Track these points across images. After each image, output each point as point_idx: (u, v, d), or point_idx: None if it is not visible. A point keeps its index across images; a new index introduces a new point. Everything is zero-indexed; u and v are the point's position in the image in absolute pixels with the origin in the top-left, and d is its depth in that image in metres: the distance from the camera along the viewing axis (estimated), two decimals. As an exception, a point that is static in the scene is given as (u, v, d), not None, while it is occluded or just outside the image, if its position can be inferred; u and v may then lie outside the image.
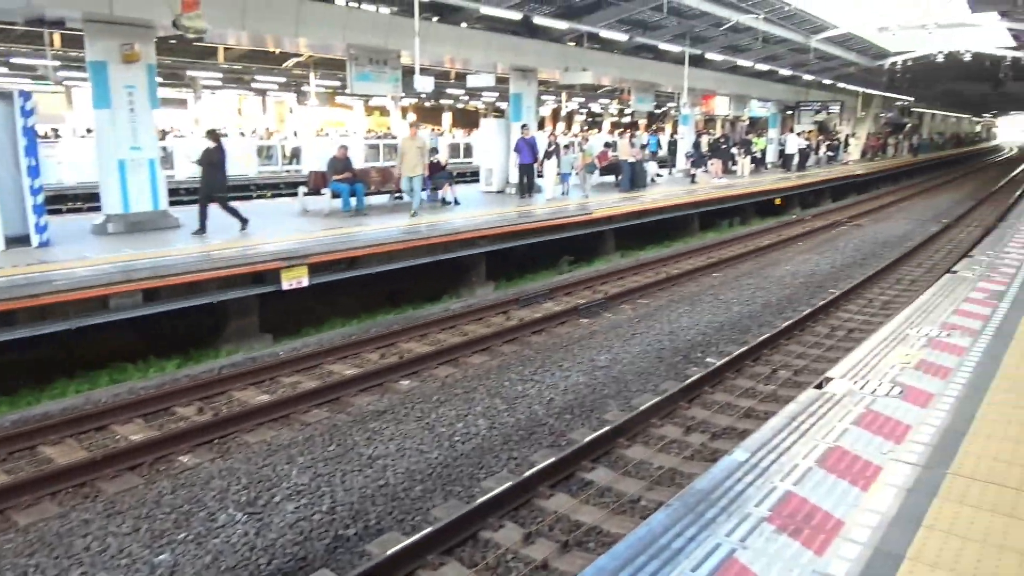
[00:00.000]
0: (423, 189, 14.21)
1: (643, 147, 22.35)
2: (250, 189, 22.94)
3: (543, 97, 43.56)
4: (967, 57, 29.27)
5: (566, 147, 18.25)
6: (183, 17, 9.19)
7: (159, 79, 12.34)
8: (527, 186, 16.64)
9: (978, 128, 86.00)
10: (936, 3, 20.68)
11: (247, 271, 9.02)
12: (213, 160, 11.02)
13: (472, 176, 23.96)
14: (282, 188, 22.90)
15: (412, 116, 38.37)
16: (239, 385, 7.69)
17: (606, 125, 55.65)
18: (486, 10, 15.25)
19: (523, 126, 16.55)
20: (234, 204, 11.83)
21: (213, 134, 11.47)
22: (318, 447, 6.23)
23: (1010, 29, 24.48)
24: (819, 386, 4.96)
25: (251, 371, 8.01)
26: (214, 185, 11.17)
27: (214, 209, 11.29)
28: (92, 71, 10.56)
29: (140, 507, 5.28)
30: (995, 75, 33.79)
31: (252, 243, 10.13)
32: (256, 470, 5.82)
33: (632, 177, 19.21)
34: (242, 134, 33.15)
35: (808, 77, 31.61)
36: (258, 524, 5.03)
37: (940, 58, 29.65)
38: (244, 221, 11.27)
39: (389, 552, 4.47)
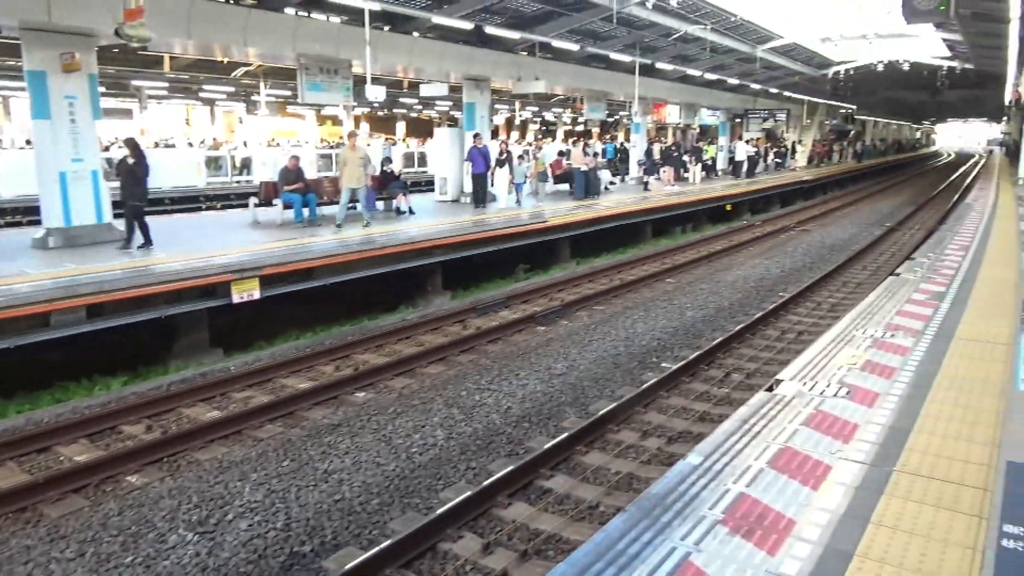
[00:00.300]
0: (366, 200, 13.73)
1: (596, 155, 22.51)
2: (199, 200, 22.49)
3: (497, 106, 43.78)
4: (906, 66, 30.39)
5: (519, 156, 18.28)
6: (126, 26, 8.94)
7: (102, 89, 12.02)
8: (481, 196, 16.59)
9: (918, 134, 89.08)
10: (876, 14, 21.37)
11: (196, 284, 8.82)
12: (132, 170, 10.43)
13: (427, 185, 23.91)
14: (232, 199, 22.50)
15: (351, 126, 37.89)
16: (189, 401, 7.50)
17: (560, 134, 56.12)
18: (438, 20, 15.26)
19: (475, 135, 16.55)
20: (178, 217, 11.52)
21: (131, 142, 11.00)
22: (272, 463, 6.10)
23: (945, 40, 25.52)
24: (770, 388, 5.05)
25: (201, 387, 7.82)
26: (134, 195, 10.52)
27: (162, 222, 11.00)
28: (30, 81, 10.23)
29: (85, 530, 5.10)
30: (932, 83, 35.17)
31: (201, 256, 9.91)
32: (207, 488, 5.68)
33: (586, 185, 19.37)
34: (190, 144, 32.50)
35: (756, 86, 32.41)
36: (210, 544, 4.90)
37: (880, 67, 30.72)
38: (149, 242, 10.64)
39: (346, 567, 4.40)
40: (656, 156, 25.21)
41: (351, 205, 13.10)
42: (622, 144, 30.98)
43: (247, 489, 5.64)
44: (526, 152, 19.65)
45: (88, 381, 8.29)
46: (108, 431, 6.85)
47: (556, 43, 18.75)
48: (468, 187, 17.70)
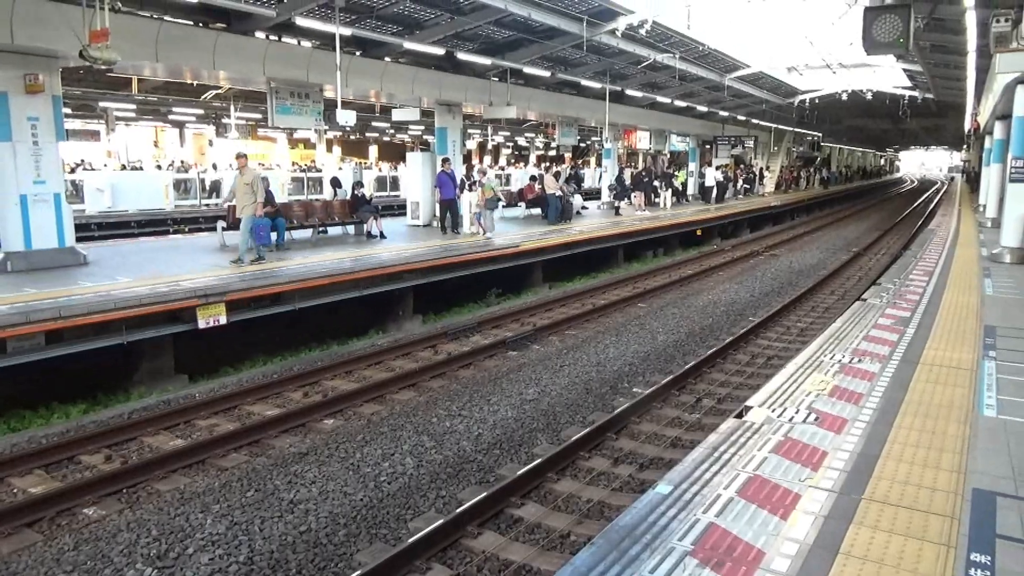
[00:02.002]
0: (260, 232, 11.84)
1: (567, 180, 22.57)
2: (166, 224, 22.17)
3: (470, 131, 43.99)
4: (869, 95, 31.15)
5: (468, 182, 17.29)
6: (91, 48, 8.82)
7: (68, 110, 11.83)
8: (452, 222, 16.36)
9: (883, 161, 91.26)
10: (839, 45, 21.90)
11: (160, 310, 8.64)
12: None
13: (399, 209, 23.84)
14: (201, 223, 22.22)
15: (324, 149, 37.52)
16: (151, 430, 7.32)
17: (532, 158, 56.53)
18: (410, 45, 15.31)
19: (444, 160, 16.53)
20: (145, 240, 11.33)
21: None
22: (235, 493, 5.95)
23: (906, 70, 26.23)
24: (739, 415, 5.05)
25: (164, 414, 7.64)
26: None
27: (127, 245, 10.80)
28: (-8, 102, 10.04)
29: (39, 566, 4.91)
30: (895, 112, 36.10)
31: (166, 280, 9.73)
32: (168, 520, 5.51)
33: (558, 210, 19.46)
34: (158, 166, 32.12)
35: (724, 113, 32.98)
36: (168, 580, 4.74)
37: (844, 96, 31.43)
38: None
39: (309, 603, 4.27)
40: (628, 181, 25.49)
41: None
42: (575, 166, 31.33)
43: (209, 521, 5.48)
44: (471, 178, 17.69)
45: (46, 409, 8.06)
46: (65, 461, 6.64)
47: (528, 69, 18.92)
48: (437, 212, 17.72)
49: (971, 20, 13.94)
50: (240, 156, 12.24)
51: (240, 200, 11.48)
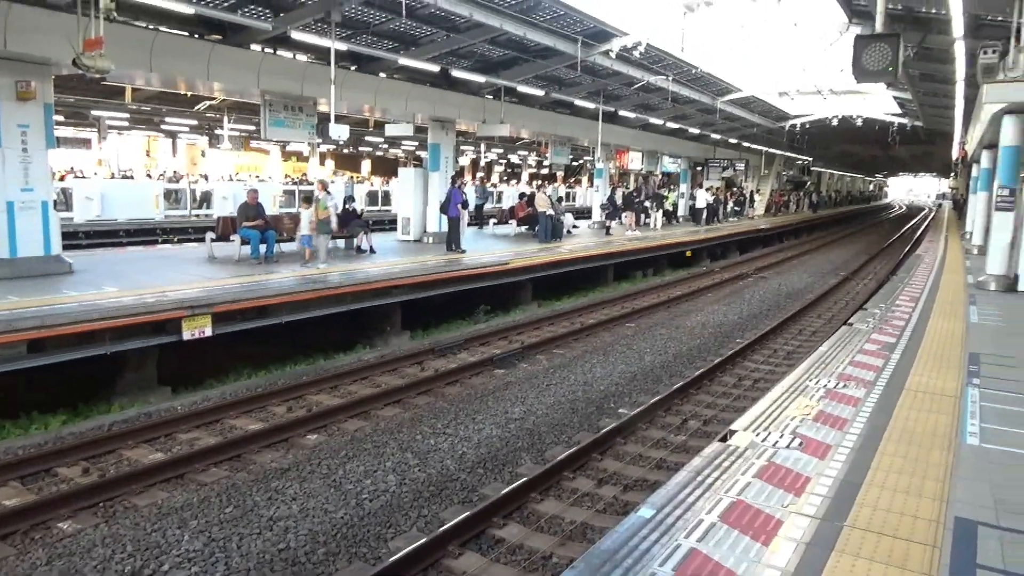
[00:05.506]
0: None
1: (560, 200, 22.57)
2: (155, 233, 22.08)
3: (463, 147, 44.13)
4: (859, 122, 31.49)
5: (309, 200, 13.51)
6: (85, 56, 8.80)
7: (60, 118, 11.79)
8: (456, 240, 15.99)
9: (872, 187, 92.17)
10: (830, 71, 22.13)
11: (145, 320, 8.56)
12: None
13: (391, 224, 23.82)
14: (191, 233, 22.14)
15: (317, 163, 37.27)
16: (131, 443, 7.22)
17: (525, 176, 56.75)
18: (404, 61, 15.37)
19: (454, 176, 16.45)
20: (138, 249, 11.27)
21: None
22: (214, 509, 5.87)
23: (896, 98, 26.55)
24: (724, 438, 5.03)
25: (145, 427, 7.55)
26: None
27: (115, 254, 10.73)
28: (-18, 108, 9.99)
29: (9, 581, 4.82)
30: (884, 139, 36.51)
31: (152, 291, 9.65)
32: (144, 536, 5.42)
33: (550, 229, 19.50)
34: (148, 176, 32.05)
35: (716, 136, 33.22)
36: (142, 596, 4.66)
37: (835, 122, 31.76)
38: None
39: (285, 623, 4.20)
40: (619, 201, 25.59)
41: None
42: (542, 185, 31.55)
43: (186, 537, 5.40)
44: (312, 195, 13.69)
45: (26, 419, 7.95)
46: (42, 473, 6.54)
47: (522, 88, 19.02)
48: (432, 227, 17.73)
49: (959, 50, 14.13)
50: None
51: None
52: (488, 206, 27.84)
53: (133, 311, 8.54)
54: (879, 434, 5.17)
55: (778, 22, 15.99)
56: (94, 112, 28.93)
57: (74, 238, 19.13)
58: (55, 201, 11.41)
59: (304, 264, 12.65)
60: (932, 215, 56.48)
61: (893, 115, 31.13)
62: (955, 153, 30.04)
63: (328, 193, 13.79)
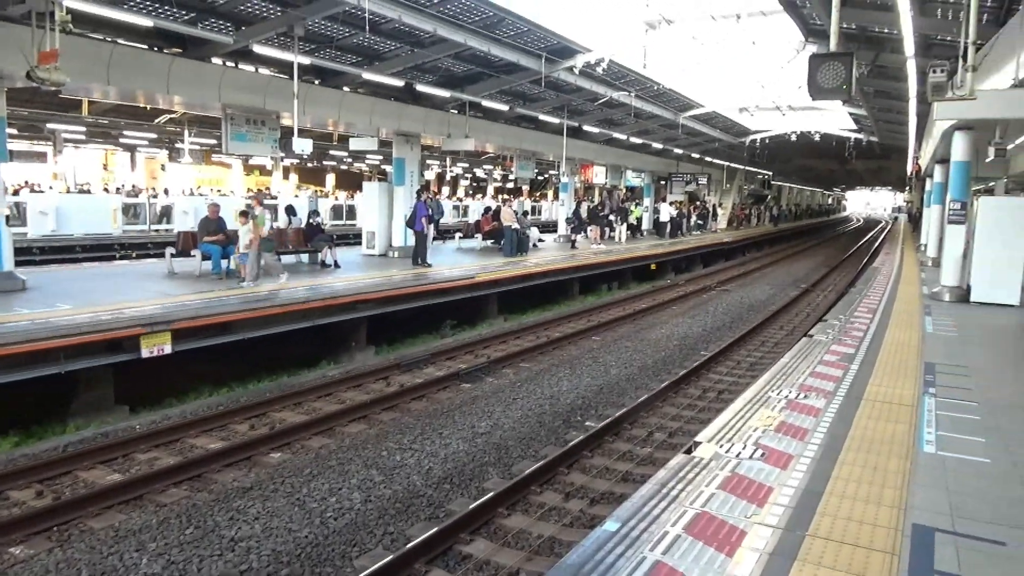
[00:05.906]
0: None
1: (525, 214, 22.66)
2: (113, 249, 21.60)
3: (429, 161, 44.11)
4: (817, 137, 32.27)
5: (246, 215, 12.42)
6: (39, 69, 8.64)
7: (13, 131, 11.50)
8: (422, 254, 15.95)
9: (830, 200, 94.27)
10: (788, 88, 22.64)
11: (101, 338, 8.35)
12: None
13: (356, 238, 23.66)
14: (150, 248, 21.72)
15: (280, 176, 36.96)
16: (87, 464, 7.03)
17: (490, 190, 56.92)
18: (368, 76, 15.35)
19: (419, 191, 16.40)
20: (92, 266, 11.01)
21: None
22: (174, 530, 5.73)
23: (851, 114, 27.26)
24: (688, 450, 5.07)
25: (102, 447, 7.36)
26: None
27: (71, 271, 10.48)
28: (-69, 121, 9.72)
29: (-44, 611, 4.64)
30: (841, 154, 37.44)
31: (109, 308, 9.44)
32: (100, 560, 5.27)
33: (515, 242, 19.55)
34: (106, 190, 31.41)
35: (678, 150, 33.73)
36: (98, 623, 4.52)
37: (794, 137, 32.50)
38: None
39: (247, 647, 4.11)
40: (584, 215, 25.79)
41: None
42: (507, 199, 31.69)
43: (144, 560, 5.26)
44: (248, 210, 12.44)
45: (-26, 442, 7.69)
46: (-7, 497, 6.33)
47: (486, 103, 19.11)
48: (396, 241, 17.67)
49: (911, 68, 14.60)
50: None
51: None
52: (444, 220, 27.26)
53: (88, 328, 8.33)
54: (839, 443, 5.26)
55: (737, 40, 16.31)
56: (49, 125, 28.33)
57: (28, 254, 18.65)
58: (8, 216, 11.12)
59: (240, 282, 12.07)
60: (888, 228, 57.94)
61: (849, 131, 31.98)
62: (910, 167, 30.91)
63: (264, 208, 13.25)
